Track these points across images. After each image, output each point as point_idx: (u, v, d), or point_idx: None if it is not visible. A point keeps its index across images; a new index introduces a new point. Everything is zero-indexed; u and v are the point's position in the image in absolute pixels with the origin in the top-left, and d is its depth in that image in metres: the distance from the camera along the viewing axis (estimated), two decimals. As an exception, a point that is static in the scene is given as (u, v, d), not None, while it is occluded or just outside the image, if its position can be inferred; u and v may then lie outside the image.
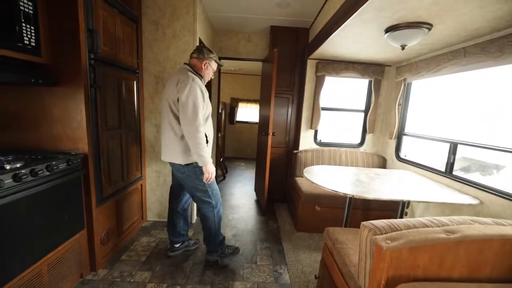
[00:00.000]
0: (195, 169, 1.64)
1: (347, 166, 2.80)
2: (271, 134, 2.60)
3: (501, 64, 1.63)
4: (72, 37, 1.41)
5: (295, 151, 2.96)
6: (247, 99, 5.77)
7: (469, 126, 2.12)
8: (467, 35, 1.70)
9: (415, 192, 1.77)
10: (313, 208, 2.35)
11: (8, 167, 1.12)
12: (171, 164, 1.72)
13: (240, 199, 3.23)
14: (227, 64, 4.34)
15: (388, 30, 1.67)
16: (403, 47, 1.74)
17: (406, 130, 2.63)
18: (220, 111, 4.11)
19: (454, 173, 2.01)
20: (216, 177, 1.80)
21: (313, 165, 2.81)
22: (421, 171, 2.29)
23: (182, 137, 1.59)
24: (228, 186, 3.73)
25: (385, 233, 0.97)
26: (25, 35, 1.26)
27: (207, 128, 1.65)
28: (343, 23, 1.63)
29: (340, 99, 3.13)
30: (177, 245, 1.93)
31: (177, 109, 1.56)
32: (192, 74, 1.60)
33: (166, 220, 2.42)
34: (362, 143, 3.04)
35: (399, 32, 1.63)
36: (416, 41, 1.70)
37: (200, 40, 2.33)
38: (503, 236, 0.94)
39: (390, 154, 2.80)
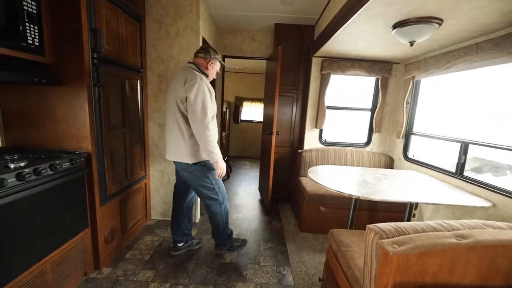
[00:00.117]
0: (203, 168, 1.67)
1: (353, 166, 2.75)
2: (275, 133, 2.57)
3: (517, 60, 1.56)
4: (75, 37, 1.41)
5: (299, 151, 2.92)
6: (251, 98, 5.74)
7: (481, 125, 2.04)
8: (480, 30, 1.63)
9: (423, 194, 1.71)
10: (318, 208, 2.31)
11: (12, 166, 1.13)
12: (177, 163, 1.71)
13: (244, 199, 3.21)
14: (231, 63, 4.32)
15: (396, 26, 1.62)
16: (411, 44, 1.68)
17: (415, 129, 2.55)
18: (224, 110, 4.10)
19: (465, 174, 1.94)
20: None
21: (318, 165, 2.76)
22: (430, 171, 2.22)
23: (190, 136, 1.60)
24: (232, 185, 3.72)
25: (391, 237, 0.93)
26: (28, 34, 1.27)
27: (213, 128, 1.64)
28: (349, 19, 1.58)
29: (346, 98, 3.07)
30: (180, 245, 1.92)
31: (185, 108, 1.56)
32: (199, 73, 1.61)
33: (170, 219, 2.44)
34: (368, 142, 2.97)
35: (408, 28, 1.57)
36: (425, 37, 1.64)
37: (203, 39, 2.32)
38: (519, 242, 0.89)
39: (397, 154, 2.73)
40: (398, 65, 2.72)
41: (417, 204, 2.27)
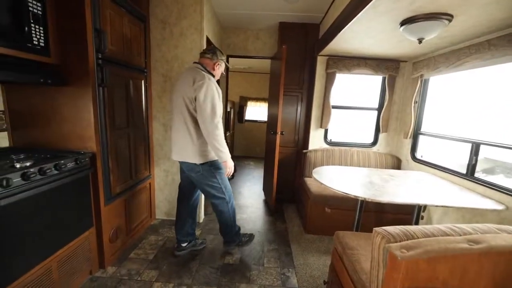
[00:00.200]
0: (210, 168, 1.69)
1: (359, 166, 2.70)
2: (279, 133, 2.55)
3: (532, 57, 1.49)
4: (80, 37, 1.42)
5: (304, 151, 2.88)
6: (256, 97, 5.72)
7: (492, 125, 1.97)
8: (493, 26, 1.57)
9: (432, 196, 1.66)
10: (323, 209, 2.28)
11: (18, 165, 1.14)
12: (183, 163, 1.71)
13: (248, 199, 3.20)
14: (235, 62, 4.31)
15: (404, 22, 1.57)
16: (420, 41, 1.63)
17: (423, 129, 2.49)
18: (229, 110, 4.09)
19: (476, 175, 1.87)
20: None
21: (323, 165, 2.72)
22: (439, 172, 2.16)
23: (198, 136, 1.61)
24: (236, 185, 3.71)
25: (399, 241, 0.90)
26: (34, 35, 1.28)
27: (221, 127, 1.66)
28: (356, 16, 1.55)
29: (352, 97, 3.02)
30: (184, 245, 1.92)
31: (194, 108, 1.57)
32: (206, 73, 1.62)
33: (174, 218, 2.44)
34: (375, 142, 2.91)
35: (416, 24, 1.53)
36: (434, 34, 1.59)
37: (207, 38, 2.31)
38: (536, 248, 0.84)
39: (405, 154, 2.66)
40: (405, 63, 2.66)
41: (425, 206, 2.21)
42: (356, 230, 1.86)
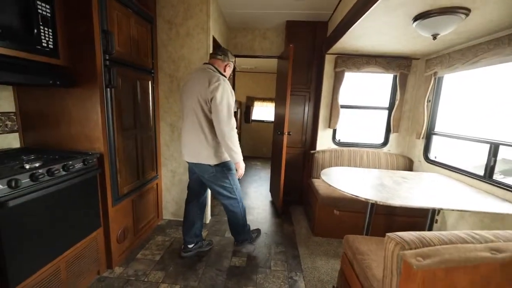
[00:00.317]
0: (223, 168, 1.70)
1: (369, 168, 2.62)
2: (286, 133, 2.51)
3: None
4: (87, 39, 1.43)
5: (312, 151, 2.83)
6: (262, 97, 5.69)
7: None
8: (513, 20, 1.48)
9: (448, 199, 1.58)
10: (331, 211, 2.22)
11: (27, 166, 1.16)
12: (196, 164, 1.69)
13: (255, 200, 3.17)
14: (242, 62, 4.29)
15: (418, 18, 1.50)
16: (434, 37, 1.55)
17: (437, 129, 2.39)
18: (235, 110, 4.08)
19: (494, 177, 1.78)
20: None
21: (331, 166, 2.66)
22: (455, 174, 2.06)
23: (213, 137, 1.62)
24: (243, 186, 3.69)
25: (415, 248, 0.85)
26: (43, 37, 1.29)
27: None
28: (366, 11, 1.49)
29: (361, 96, 2.94)
30: (190, 246, 1.91)
31: (209, 109, 1.57)
32: (219, 75, 1.62)
33: (181, 219, 2.44)
34: (385, 143, 2.83)
35: (431, 19, 1.46)
36: (450, 29, 1.51)
37: (213, 38, 2.30)
38: None
39: (417, 155, 2.57)
40: (418, 60, 2.56)
41: (440, 209, 2.12)
42: (366, 234, 1.80)
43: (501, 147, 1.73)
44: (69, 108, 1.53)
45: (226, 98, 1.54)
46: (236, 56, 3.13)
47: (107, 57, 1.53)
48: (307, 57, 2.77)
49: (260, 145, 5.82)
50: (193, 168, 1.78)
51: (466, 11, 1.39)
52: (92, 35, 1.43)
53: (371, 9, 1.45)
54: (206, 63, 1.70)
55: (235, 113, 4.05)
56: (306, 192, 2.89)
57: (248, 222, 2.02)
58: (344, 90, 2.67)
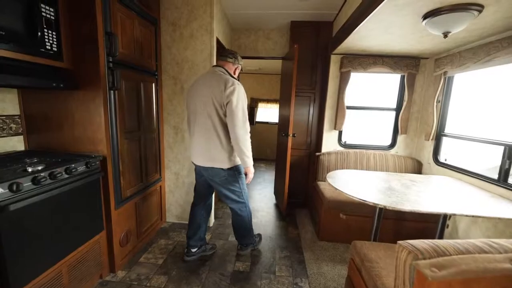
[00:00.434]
0: (235, 172, 1.70)
1: (376, 170, 2.56)
2: (291, 135, 2.47)
3: None
4: (91, 41, 1.42)
5: (317, 153, 2.78)
6: (267, 99, 5.66)
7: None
8: (530, 16, 1.41)
9: (460, 203, 1.51)
10: (337, 215, 2.17)
11: (30, 169, 1.15)
12: (207, 168, 1.66)
13: (259, 202, 3.13)
14: (245, 64, 4.27)
15: (428, 15, 1.45)
16: (446, 35, 1.50)
17: (447, 131, 2.31)
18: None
19: (509, 181, 1.70)
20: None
21: (337, 168, 2.61)
22: (466, 177, 1.98)
23: (228, 141, 1.60)
24: (247, 188, 3.65)
25: (429, 258, 0.80)
26: (46, 40, 1.29)
27: None
28: (373, 10, 1.45)
29: (368, 97, 2.88)
30: (194, 250, 1.88)
31: (224, 113, 1.56)
32: (233, 78, 1.62)
33: (184, 222, 2.43)
34: (393, 144, 2.76)
35: (442, 17, 1.40)
36: (462, 27, 1.45)
37: (217, 39, 2.28)
38: None
39: (426, 157, 2.49)
40: (426, 60, 2.50)
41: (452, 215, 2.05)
42: (374, 240, 1.74)
43: (516, 149, 1.66)
44: (72, 111, 1.52)
45: (242, 102, 1.55)
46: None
47: (111, 59, 1.52)
48: (312, 57, 2.73)
49: (264, 147, 5.78)
50: (201, 171, 1.75)
51: (479, 7, 1.33)
52: (95, 37, 1.42)
53: (377, 8, 1.41)
54: (217, 66, 1.68)
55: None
56: (311, 195, 2.84)
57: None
58: (350, 91, 2.62)
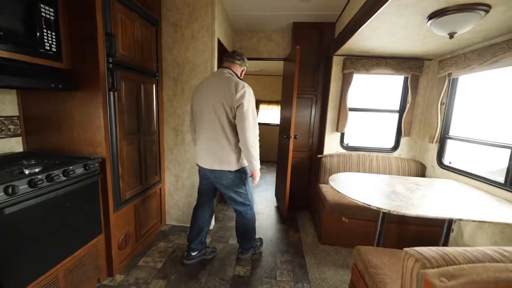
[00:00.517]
0: (241, 175, 1.68)
1: (379, 173, 2.52)
2: (293, 137, 2.44)
3: None
4: (91, 42, 1.41)
5: (319, 156, 2.75)
6: (268, 100, 5.64)
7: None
8: (538, 16, 1.38)
9: (466, 208, 1.47)
10: (340, 219, 2.13)
11: (27, 172, 1.13)
12: (214, 171, 1.64)
13: (259, 205, 3.10)
14: (247, 65, 4.25)
15: (433, 16, 1.42)
16: (451, 36, 1.47)
17: (451, 133, 2.27)
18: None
19: (517, 185, 1.66)
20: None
21: (339, 171, 2.57)
22: (472, 181, 1.94)
23: (236, 144, 1.59)
24: (248, 190, 3.62)
25: (437, 266, 0.76)
26: (46, 40, 1.27)
27: None
28: (377, 11, 1.42)
29: (371, 99, 2.84)
30: (194, 253, 1.85)
31: (233, 116, 1.54)
32: (241, 81, 1.61)
33: (184, 224, 2.40)
34: (396, 147, 2.72)
35: (447, 17, 1.38)
36: (468, 28, 1.42)
37: (218, 40, 2.26)
38: None
39: (430, 160, 2.45)
40: (430, 61, 2.46)
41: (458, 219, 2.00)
42: (378, 245, 1.70)
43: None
44: (71, 112, 1.51)
45: (252, 105, 1.55)
46: (241, 58, 3.11)
47: (111, 60, 1.50)
48: (314, 59, 2.70)
49: (265, 148, 5.74)
50: (206, 174, 1.72)
51: (486, 7, 1.30)
52: (95, 37, 1.40)
53: (381, 8, 1.38)
54: (224, 67, 1.67)
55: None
56: (312, 198, 2.80)
57: None
58: (352, 93, 2.59)
